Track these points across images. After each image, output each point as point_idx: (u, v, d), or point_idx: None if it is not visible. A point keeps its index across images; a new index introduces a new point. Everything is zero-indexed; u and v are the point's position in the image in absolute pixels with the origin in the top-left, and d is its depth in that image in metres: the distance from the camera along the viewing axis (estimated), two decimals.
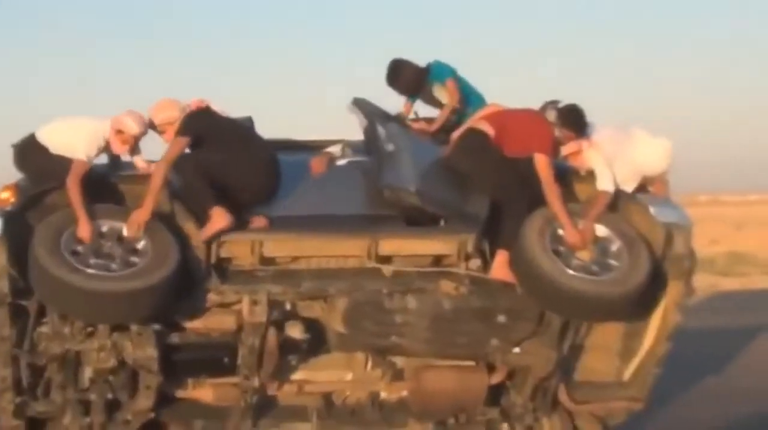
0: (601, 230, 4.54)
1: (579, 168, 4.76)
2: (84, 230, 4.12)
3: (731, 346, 9.13)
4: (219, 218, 4.25)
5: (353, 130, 5.09)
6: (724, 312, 12.16)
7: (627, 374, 4.97)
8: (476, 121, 4.75)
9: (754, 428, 6.42)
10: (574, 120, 4.65)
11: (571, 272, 4.39)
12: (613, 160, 4.64)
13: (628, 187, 4.71)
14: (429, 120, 5.23)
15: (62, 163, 4.30)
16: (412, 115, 5.37)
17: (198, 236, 4.31)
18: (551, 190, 4.44)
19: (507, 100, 5.10)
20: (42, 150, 4.42)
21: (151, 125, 4.47)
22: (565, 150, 4.68)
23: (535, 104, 4.82)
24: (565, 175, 4.78)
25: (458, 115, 5.12)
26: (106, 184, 4.60)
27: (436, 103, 5.33)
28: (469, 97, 5.23)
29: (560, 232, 4.49)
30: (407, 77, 5.23)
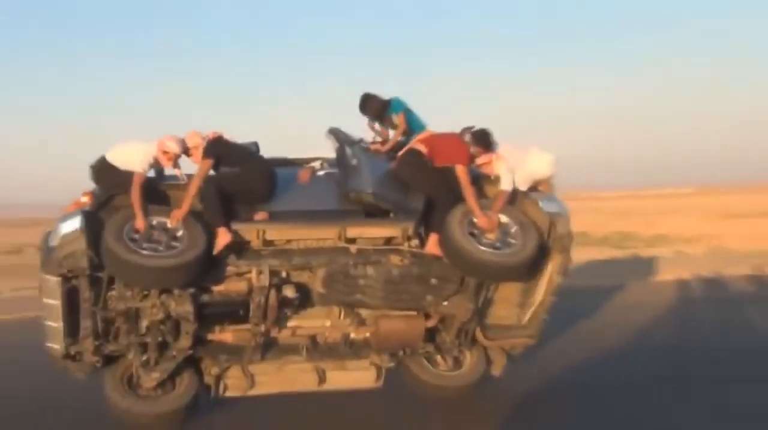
0: (503, 218, 5.91)
1: (489, 174, 6.14)
2: (140, 223, 5.48)
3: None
4: (223, 235, 5.56)
5: (328, 150, 6.44)
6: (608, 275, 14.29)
7: (524, 319, 6.37)
8: (414, 143, 6.17)
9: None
10: (483, 140, 6.07)
11: (482, 248, 5.74)
12: (513, 168, 6.02)
13: (524, 187, 6.12)
14: (383, 142, 6.66)
15: (125, 176, 5.66)
16: (374, 135, 6.80)
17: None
18: (468, 191, 5.83)
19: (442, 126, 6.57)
20: (110, 167, 5.77)
21: (185, 149, 5.86)
22: (479, 161, 6.09)
23: (457, 129, 6.28)
24: (479, 180, 6.14)
25: (406, 139, 6.54)
26: (156, 189, 5.92)
27: (393, 127, 6.76)
28: (413, 125, 6.67)
29: (474, 220, 5.84)
30: (373, 107, 6.72)
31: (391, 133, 6.81)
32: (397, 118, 6.66)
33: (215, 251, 5.57)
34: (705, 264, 15.24)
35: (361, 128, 6.68)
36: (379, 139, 6.81)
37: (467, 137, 6.10)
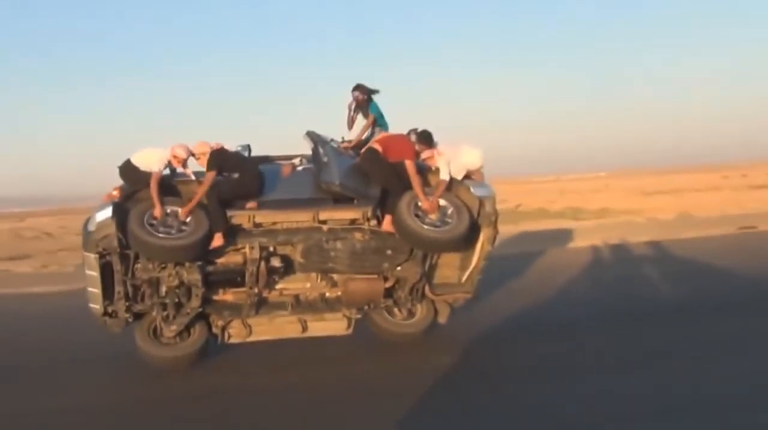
0: (442, 202, 7.19)
1: (431, 166, 7.44)
2: (158, 212, 6.84)
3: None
4: (218, 239, 6.92)
5: (306, 149, 7.68)
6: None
7: (463, 278, 7.72)
8: (372, 143, 7.49)
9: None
10: (426, 139, 7.39)
11: (425, 227, 7.05)
12: (449, 161, 7.30)
13: (459, 176, 7.38)
14: (350, 142, 8.06)
15: (145, 175, 7.00)
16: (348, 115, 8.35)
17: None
18: (414, 180, 7.13)
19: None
20: (134, 168, 7.09)
21: (192, 153, 7.22)
22: (423, 156, 7.40)
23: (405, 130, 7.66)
24: (423, 171, 7.44)
25: (368, 138, 8.02)
26: (170, 185, 7.23)
27: (364, 117, 8.27)
28: (381, 125, 8.19)
29: (419, 204, 7.13)
30: (364, 90, 8.23)
31: (359, 120, 8.31)
32: (369, 117, 8.14)
33: (211, 247, 6.94)
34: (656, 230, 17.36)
35: (330, 131, 8.01)
36: (347, 132, 8.28)
37: (413, 137, 7.44)
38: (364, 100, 8.28)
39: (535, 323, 8.81)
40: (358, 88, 8.26)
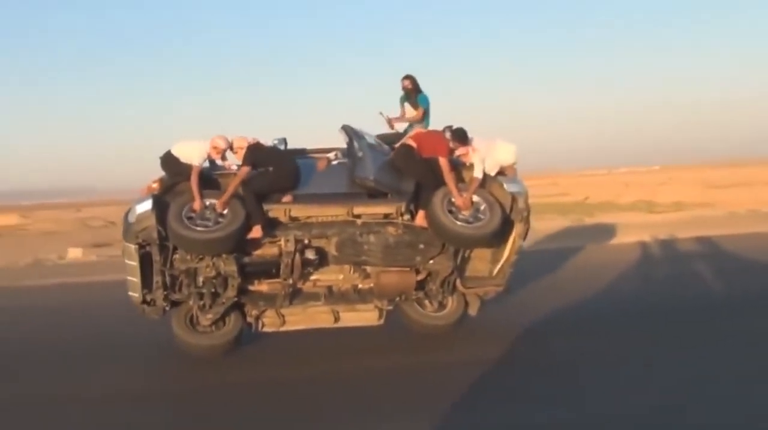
0: (475, 198, 7.25)
1: (465, 162, 7.49)
2: (197, 205, 6.92)
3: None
4: (257, 231, 7.01)
5: (342, 142, 7.76)
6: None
7: (494, 271, 7.77)
8: (407, 139, 7.55)
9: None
10: (460, 136, 7.40)
11: (458, 222, 7.11)
12: (483, 158, 7.34)
13: (492, 172, 7.42)
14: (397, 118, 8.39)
15: (185, 167, 7.09)
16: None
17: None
18: (448, 177, 7.18)
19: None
20: (174, 159, 7.17)
21: (230, 147, 7.34)
22: (457, 153, 7.45)
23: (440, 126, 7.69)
24: (458, 167, 7.48)
25: (407, 129, 8.18)
26: (209, 177, 7.30)
27: (414, 107, 8.48)
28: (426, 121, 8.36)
29: (453, 200, 7.18)
30: (413, 82, 8.43)
31: (406, 108, 8.54)
32: (419, 110, 8.31)
33: (249, 239, 7.04)
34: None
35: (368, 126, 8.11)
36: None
37: (447, 134, 7.48)
38: (413, 89, 8.41)
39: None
40: (408, 77, 8.39)
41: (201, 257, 7.21)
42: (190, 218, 6.94)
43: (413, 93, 8.48)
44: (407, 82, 8.48)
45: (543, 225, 18.01)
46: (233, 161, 7.44)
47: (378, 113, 8.14)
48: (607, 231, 17.39)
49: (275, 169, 7.24)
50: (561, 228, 18.97)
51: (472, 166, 7.43)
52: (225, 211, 7.02)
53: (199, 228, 6.89)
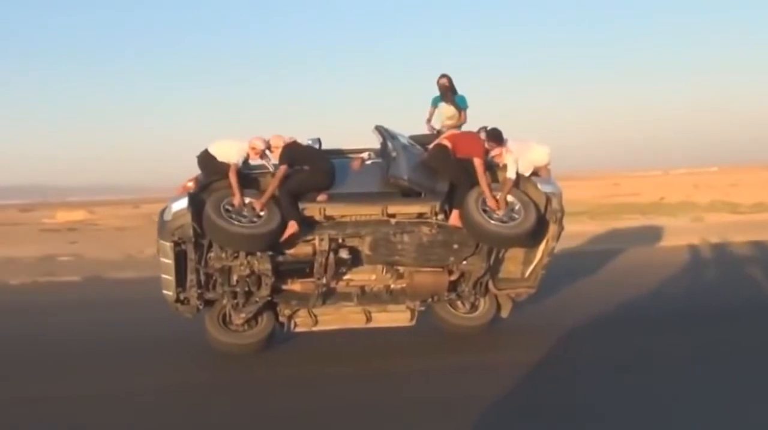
0: (509, 198, 7.22)
1: (499, 163, 7.43)
2: (237, 200, 6.92)
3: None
4: (291, 227, 6.96)
5: (375, 142, 7.73)
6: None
7: (527, 273, 7.73)
8: (441, 139, 7.53)
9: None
10: (496, 136, 7.39)
11: (492, 222, 7.07)
12: (517, 159, 7.30)
13: (527, 172, 7.39)
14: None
15: (222, 166, 7.10)
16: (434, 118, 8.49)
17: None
18: (481, 178, 7.15)
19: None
20: (211, 158, 7.18)
21: (268, 146, 7.34)
22: (493, 153, 7.43)
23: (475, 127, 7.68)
24: (492, 168, 7.44)
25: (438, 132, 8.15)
26: (246, 176, 7.29)
27: (456, 107, 8.39)
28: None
29: (487, 200, 7.16)
30: (450, 82, 8.33)
31: (442, 108, 8.45)
32: (462, 113, 8.32)
33: (283, 238, 7.00)
34: None
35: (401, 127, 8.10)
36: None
37: (482, 135, 7.47)
38: (450, 89, 8.35)
39: None
40: (445, 76, 8.34)
41: (235, 255, 7.19)
42: (227, 211, 6.94)
43: (450, 93, 8.38)
44: (444, 81, 8.37)
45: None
46: (271, 161, 7.44)
47: (399, 137, 7.84)
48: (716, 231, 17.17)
49: (311, 168, 7.23)
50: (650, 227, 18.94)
51: (505, 166, 7.38)
52: (263, 212, 7.02)
53: (235, 221, 6.89)
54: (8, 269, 15.04)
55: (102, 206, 38.90)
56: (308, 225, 7.21)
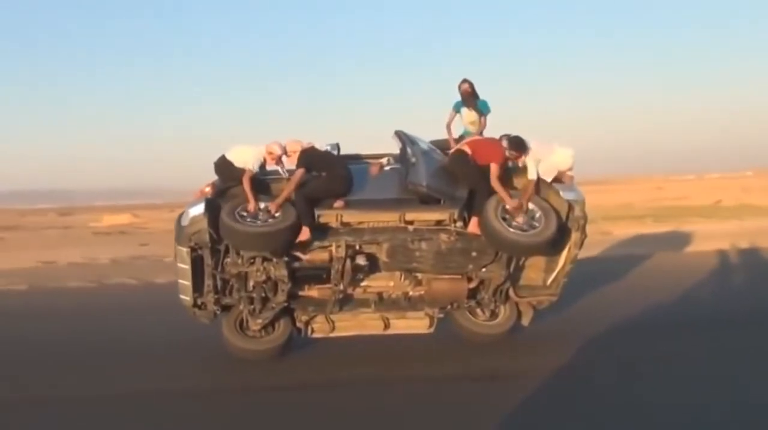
0: (530, 206, 7.01)
1: (518, 164, 7.20)
2: (251, 206, 6.85)
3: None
4: (305, 233, 6.88)
5: (395, 147, 7.57)
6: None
7: (548, 280, 7.55)
8: (462, 145, 7.36)
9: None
10: (517, 145, 7.14)
11: (512, 230, 6.88)
12: (539, 159, 7.08)
13: (549, 177, 7.16)
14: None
15: (239, 171, 7.02)
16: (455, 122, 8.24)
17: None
18: (495, 182, 6.97)
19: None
20: (229, 164, 7.12)
21: (284, 151, 7.23)
22: (516, 162, 7.24)
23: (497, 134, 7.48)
24: (510, 174, 7.25)
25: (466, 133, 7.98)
26: (261, 182, 7.19)
27: (476, 112, 8.17)
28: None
29: (506, 206, 6.97)
30: (472, 87, 8.09)
31: (463, 113, 8.24)
32: (483, 119, 8.11)
33: (298, 241, 6.92)
34: None
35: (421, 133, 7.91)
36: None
37: (504, 142, 7.28)
38: (472, 94, 8.14)
39: None
40: (467, 81, 8.13)
41: (252, 260, 7.13)
42: (242, 216, 6.88)
43: (472, 98, 8.16)
44: (466, 86, 8.13)
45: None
46: (287, 166, 7.36)
47: (418, 143, 7.61)
48: None
49: (328, 174, 7.12)
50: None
51: (525, 169, 7.19)
52: (277, 214, 6.93)
53: (248, 221, 6.84)
54: (97, 270, 15.13)
55: (143, 210, 39.17)
56: (325, 231, 7.11)
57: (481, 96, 8.21)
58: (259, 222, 6.87)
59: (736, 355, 7.19)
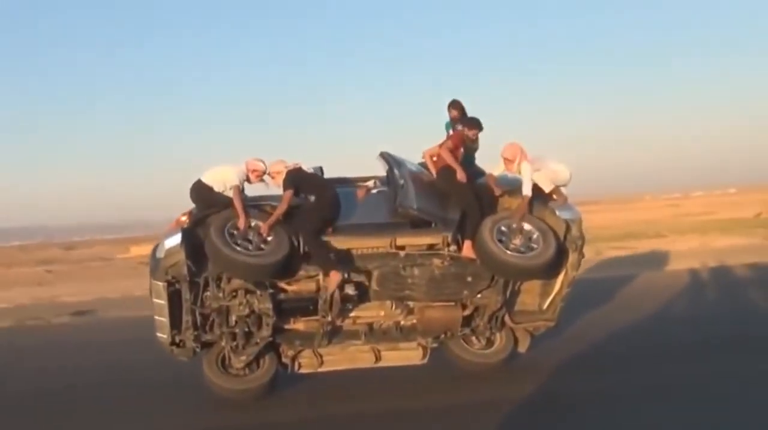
0: (526, 227, 6.66)
1: (514, 171, 6.84)
2: (242, 223, 6.35)
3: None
4: (335, 277, 6.40)
5: (379, 169, 7.21)
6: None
7: (544, 305, 7.17)
8: (425, 155, 7.08)
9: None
10: (471, 122, 7.15)
11: (509, 252, 6.52)
12: (535, 171, 6.73)
13: (546, 188, 6.78)
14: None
15: (220, 196, 6.55)
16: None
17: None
18: (447, 155, 6.83)
19: None
20: (206, 188, 6.61)
21: (267, 173, 6.74)
22: (505, 155, 6.86)
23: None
24: (507, 186, 6.95)
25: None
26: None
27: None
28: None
29: (503, 228, 6.62)
30: (459, 106, 7.62)
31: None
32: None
33: (329, 290, 6.50)
34: None
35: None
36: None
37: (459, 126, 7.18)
38: (459, 118, 7.61)
39: None
40: (455, 106, 7.67)
41: (234, 294, 6.63)
42: (232, 236, 6.38)
43: (463, 119, 7.60)
44: (455, 113, 7.66)
45: None
46: (271, 187, 6.92)
47: (405, 164, 7.23)
48: None
49: (317, 199, 6.64)
50: None
51: (518, 189, 6.81)
52: (269, 238, 6.46)
53: (239, 249, 6.32)
54: None
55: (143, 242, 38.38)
56: (311, 259, 6.62)
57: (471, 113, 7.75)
58: (251, 246, 6.38)
59: None
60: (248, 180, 6.75)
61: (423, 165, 7.45)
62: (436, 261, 6.72)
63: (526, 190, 6.74)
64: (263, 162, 6.80)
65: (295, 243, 6.58)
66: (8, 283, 19.58)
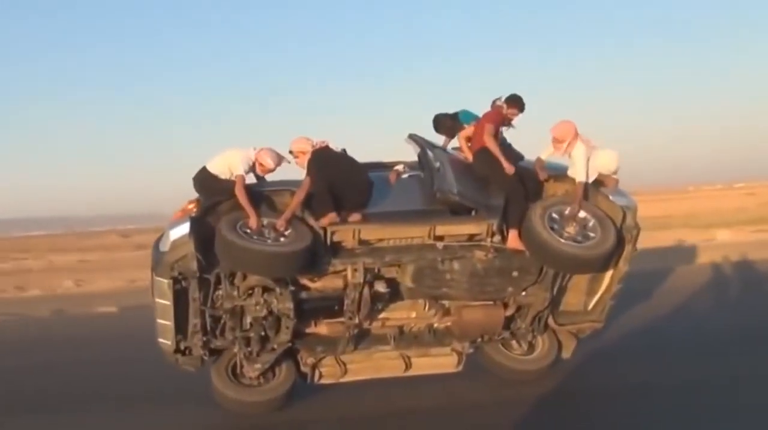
0: (581, 213, 5.86)
1: (568, 153, 6.06)
2: (253, 223, 5.47)
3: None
4: (329, 217, 5.58)
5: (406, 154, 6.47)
6: None
7: (590, 305, 6.38)
8: (461, 136, 6.33)
9: None
10: (514, 101, 6.30)
11: (563, 241, 5.71)
12: (588, 156, 5.99)
13: (590, 178, 6.02)
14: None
15: (226, 183, 5.67)
16: (449, 148, 6.65)
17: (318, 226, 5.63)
18: (490, 141, 6.07)
19: None
20: (212, 177, 5.74)
21: (290, 151, 5.86)
22: (554, 134, 6.09)
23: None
24: (556, 171, 6.17)
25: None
26: (259, 194, 5.84)
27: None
28: None
29: (554, 215, 5.82)
30: (445, 125, 6.62)
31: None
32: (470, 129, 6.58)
33: (321, 225, 5.61)
34: None
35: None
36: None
37: (500, 102, 6.31)
38: (452, 126, 6.72)
39: None
40: (438, 130, 6.80)
41: (250, 292, 5.71)
42: (246, 233, 5.47)
43: (454, 127, 6.70)
44: (443, 123, 6.77)
45: None
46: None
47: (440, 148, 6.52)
48: None
49: (347, 180, 5.78)
50: None
51: (564, 175, 6.09)
52: (288, 232, 5.57)
53: (256, 238, 5.44)
54: None
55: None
56: (338, 252, 5.75)
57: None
58: (269, 240, 5.49)
59: None
60: (254, 170, 5.87)
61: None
62: (479, 253, 5.86)
63: (581, 175, 5.95)
64: (276, 157, 5.89)
65: (320, 233, 5.67)
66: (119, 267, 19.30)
